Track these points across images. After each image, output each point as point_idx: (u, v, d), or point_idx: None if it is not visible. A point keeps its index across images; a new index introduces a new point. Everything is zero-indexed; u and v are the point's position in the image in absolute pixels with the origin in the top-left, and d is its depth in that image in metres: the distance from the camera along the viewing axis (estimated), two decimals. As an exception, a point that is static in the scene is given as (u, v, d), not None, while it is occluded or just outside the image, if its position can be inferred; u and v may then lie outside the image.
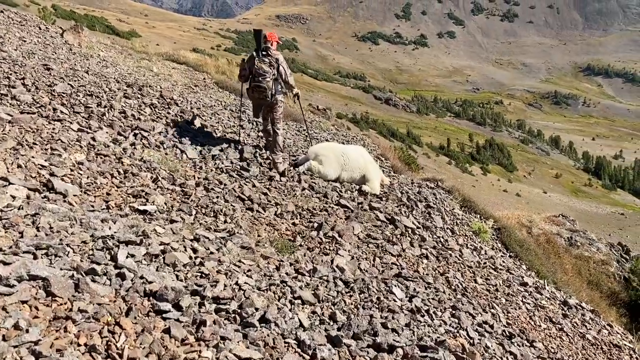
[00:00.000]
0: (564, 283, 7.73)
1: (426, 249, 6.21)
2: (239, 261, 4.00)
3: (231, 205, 5.24)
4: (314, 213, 5.88)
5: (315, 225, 5.50)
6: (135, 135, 6.31)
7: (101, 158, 5.24)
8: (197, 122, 7.56)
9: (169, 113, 7.57)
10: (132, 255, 3.36)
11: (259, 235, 4.88)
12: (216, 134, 7.63)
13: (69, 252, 3.12)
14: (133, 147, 5.92)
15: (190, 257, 3.72)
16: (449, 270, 5.89)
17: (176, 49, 23.12)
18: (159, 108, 7.64)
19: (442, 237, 6.91)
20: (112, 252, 3.29)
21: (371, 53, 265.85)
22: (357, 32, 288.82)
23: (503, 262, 7.22)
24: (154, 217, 4.34)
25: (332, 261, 4.77)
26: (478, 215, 8.42)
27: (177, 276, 3.41)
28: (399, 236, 6.21)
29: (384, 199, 7.26)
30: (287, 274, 4.18)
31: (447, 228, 7.36)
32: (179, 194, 5.09)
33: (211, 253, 3.94)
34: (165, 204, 4.73)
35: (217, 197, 5.32)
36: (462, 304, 5.10)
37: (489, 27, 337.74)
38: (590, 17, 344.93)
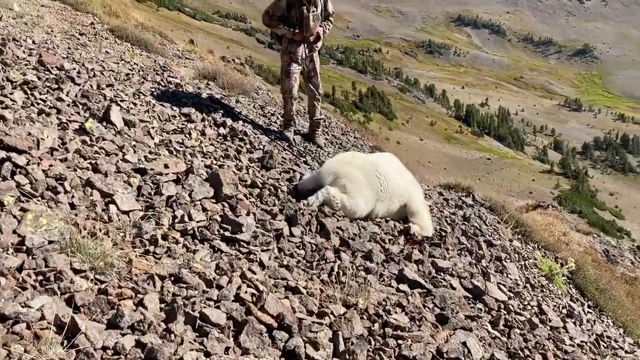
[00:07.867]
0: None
1: (546, 349, 3.63)
2: None
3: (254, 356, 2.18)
4: (392, 325, 2.98)
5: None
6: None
7: None
8: (117, 117, 4.08)
9: (61, 100, 3.99)
10: None
11: None
12: (152, 137, 4.22)
13: None
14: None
15: None
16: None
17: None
18: (41, 90, 4.01)
19: (536, 306, 4.39)
20: None
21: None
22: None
23: (605, 331, 4.89)
24: None
25: None
26: (535, 244, 6.01)
27: None
28: (505, 330, 3.58)
29: (442, 244, 4.48)
30: None
31: (524, 279, 4.86)
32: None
33: None
34: None
35: (215, 353, 2.21)
36: None
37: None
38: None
